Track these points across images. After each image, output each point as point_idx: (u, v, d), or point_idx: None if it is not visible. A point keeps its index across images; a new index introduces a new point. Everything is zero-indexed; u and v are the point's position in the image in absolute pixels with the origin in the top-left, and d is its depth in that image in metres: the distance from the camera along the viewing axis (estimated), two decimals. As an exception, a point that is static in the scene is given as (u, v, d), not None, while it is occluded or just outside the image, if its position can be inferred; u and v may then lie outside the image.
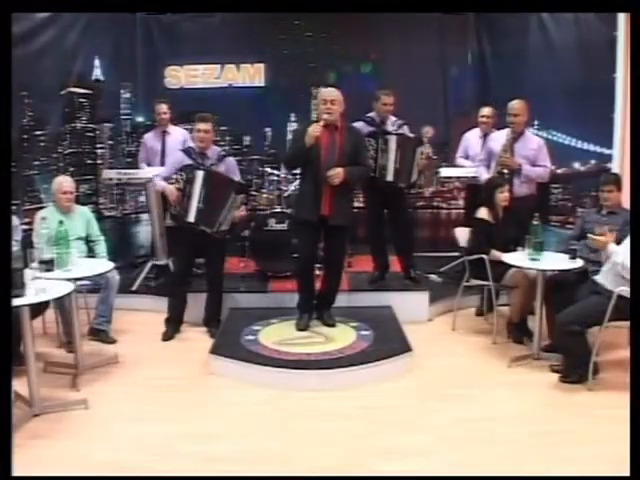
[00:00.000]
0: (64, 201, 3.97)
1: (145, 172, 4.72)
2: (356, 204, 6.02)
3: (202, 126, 3.92)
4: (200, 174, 3.85)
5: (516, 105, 4.16)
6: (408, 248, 4.68)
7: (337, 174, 3.59)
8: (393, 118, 4.48)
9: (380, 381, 3.38)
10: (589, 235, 3.40)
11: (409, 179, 4.39)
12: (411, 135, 4.45)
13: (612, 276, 3.20)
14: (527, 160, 4.19)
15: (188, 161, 3.93)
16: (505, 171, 4.18)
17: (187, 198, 3.85)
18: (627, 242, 3.04)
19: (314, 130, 3.56)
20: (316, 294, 4.03)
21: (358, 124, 4.42)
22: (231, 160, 4.16)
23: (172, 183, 3.91)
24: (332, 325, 3.96)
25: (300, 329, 3.91)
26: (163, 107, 4.89)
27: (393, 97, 4.40)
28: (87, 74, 5.52)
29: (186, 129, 5.00)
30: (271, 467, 2.58)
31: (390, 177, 4.31)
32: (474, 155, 4.90)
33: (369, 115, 4.46)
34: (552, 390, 3.28)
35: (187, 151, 4.03)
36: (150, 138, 4.98)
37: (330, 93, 3.66)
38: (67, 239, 3.38)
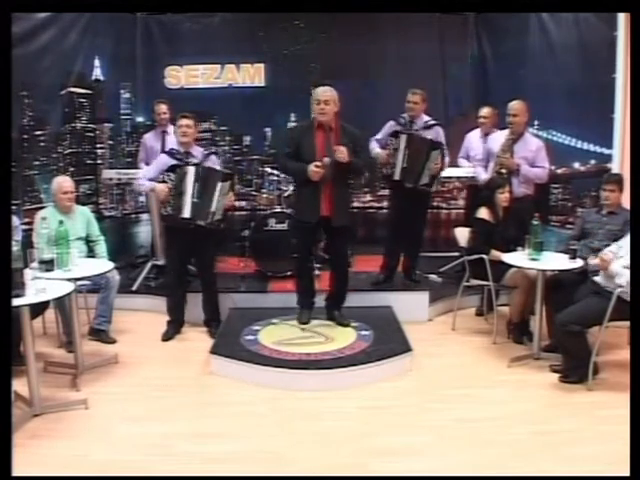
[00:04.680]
0: (64, 201, 3.96)
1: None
2: (358, 204, 6.14)
3: (184, 122, 3.95)
4: (191, 169, 3.87)
5: (515, 105, 4.15)
6: (416, 251, 4.67)
7: (342, 151, 3.56)
8: (425, 117, 4.45)
9: (380, 381, 3.39)
10: (591, 262, 3.41)
11: (417, 180, 4.30)
12: (428, 137, 4.36)
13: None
14: (526, 161, 4.18)
15: (173, 162, 3.92)
16: (503, 171, 4.18)
17: (180, 195, 3.85)
18: (627, 247, 3.02)
19: (316, 172, 3.55)
20: (326, 296, 4.05)
21: (389, 123, 4.44)
22: (214, 158, 4.19)
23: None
24: (346, 325, 3.95)
25: (302, 322, 3.94)
26: (163, 107, 4.88)
27: (419, 96, 4.35)
28: (87, 74, 5.52)
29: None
30: (271, 467, 2.58)
31: (397, 176, 4.29)
32: (474, 156, 4.89)
33: (402, 115, 4.45)
34: (552, 390, 3.28)
35: (170, 153, 4.03)
36: (150, 138, 4.98)
37: (324, 93, 3.62)
38: (67, 239, 3.38)
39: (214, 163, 4.13)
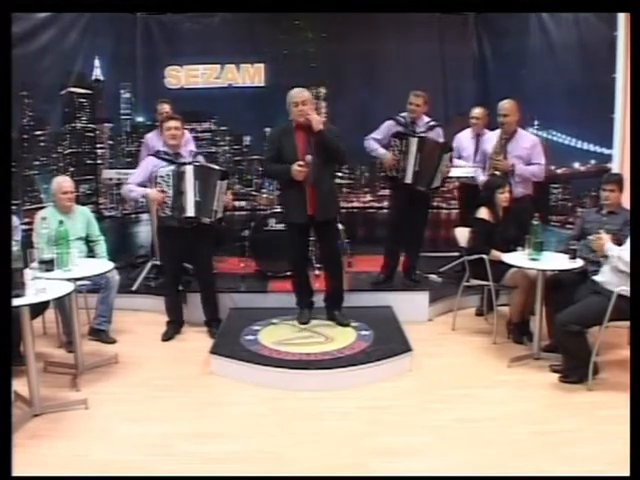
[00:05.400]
0: (64, 201, 3.96)
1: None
2: (358, 204, 6.14)
3: (173, 123, 3.93)
4: (190, 169, 3.86)
5: (506, 105, 4.15)
6: (417, 250, 4.66)
7: (312, 112, 3.63)
8: (426, 119, 4.43)
9: (380, 381, 3.39)
10: (590, 236, 3.39)
11: (429, 184, 4.28)
12: (440, 140, 4.36)
13: (612, 275, 3.19)
14: (521, 160, 4.17)
15: (162, 164, 3.90)
16: (497, 173, 4.17)
17: (180, 195, 3.84)
18: (627, 241, 3.04)
19: (300, 172, 3.59)
20: (324, 297, 4.05)
21: (388, 122, 4.42)
22: (201, 158, 4.16)
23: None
24: (347, 325, 3.95)
25: (302, 322, 3.96)
26: (165, 107, 4.87)
27: (422, 98, 4.33)
28: (87, 74, 5.52)
29: (186, 129, 5.00)
30: (271, 467, 2.58)
31: (409, 179, 4.27)
32: (467, 156, 4.88)
33: (402, 115, 4.42)
34: (552, 390, 3.28)
35: (158, 155, 3.98)
36: (152, 138, 4.95)
37: (300, 94, 3.66)
38: (67, 239, 3.38)
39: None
